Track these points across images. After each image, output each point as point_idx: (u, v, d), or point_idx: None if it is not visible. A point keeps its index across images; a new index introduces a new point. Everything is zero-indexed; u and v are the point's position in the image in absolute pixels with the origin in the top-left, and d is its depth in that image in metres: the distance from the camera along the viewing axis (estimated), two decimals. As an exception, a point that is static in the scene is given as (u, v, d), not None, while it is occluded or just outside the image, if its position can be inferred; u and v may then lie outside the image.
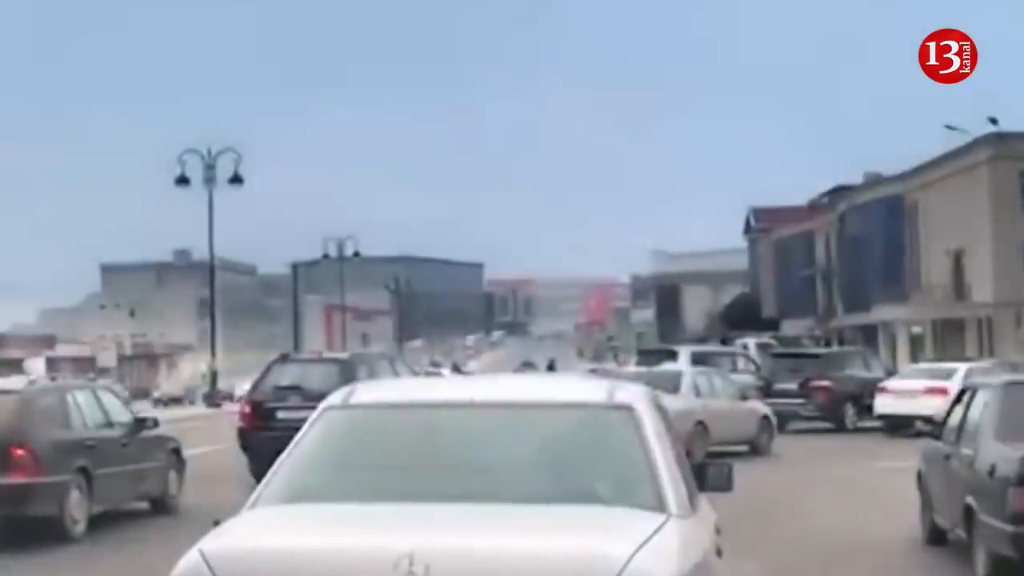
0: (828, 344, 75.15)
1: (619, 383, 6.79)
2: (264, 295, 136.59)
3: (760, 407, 28.22)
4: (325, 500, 5.79)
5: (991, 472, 10.99)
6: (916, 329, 77.29)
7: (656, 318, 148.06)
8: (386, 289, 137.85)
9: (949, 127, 60.18)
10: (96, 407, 16.54)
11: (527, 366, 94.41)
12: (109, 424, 16.59)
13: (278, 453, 6.09)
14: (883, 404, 31.23)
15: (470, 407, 6.25)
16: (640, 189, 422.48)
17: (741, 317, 65.83)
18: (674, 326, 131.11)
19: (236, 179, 52.39)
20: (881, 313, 79.34)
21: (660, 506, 5.65)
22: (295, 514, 5.69)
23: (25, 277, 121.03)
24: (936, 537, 13.36)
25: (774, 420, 28.10)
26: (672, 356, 35.86)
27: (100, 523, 15.62)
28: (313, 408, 6.41)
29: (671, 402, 24.30)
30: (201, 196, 52.29)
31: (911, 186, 78.98)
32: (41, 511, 14.72)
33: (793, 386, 32.74)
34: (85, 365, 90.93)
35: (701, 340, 66.80)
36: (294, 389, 21.15)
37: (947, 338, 73.11)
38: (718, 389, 27.14)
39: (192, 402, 75.20)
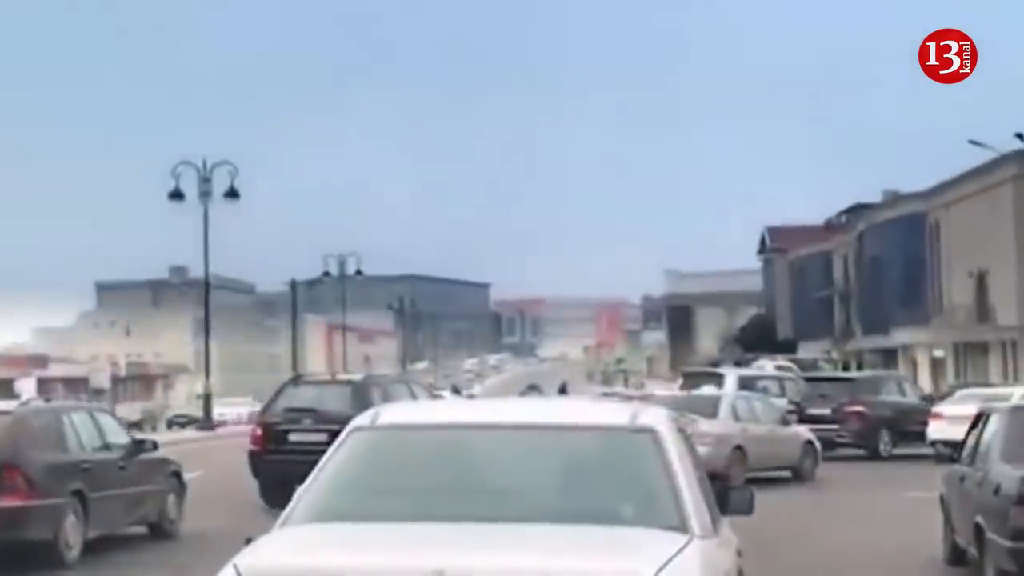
0: (847, 367, 72.82)
1: (642, 406, 7.07)
2: (263, 314, 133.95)
3: (803, 432, 27.54)
4: (354, 520, 5.88)
5: (996, 491, 11.62)
6: (938, 352, 75.13)
7: (668, 340, 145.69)
8: (390, 309, 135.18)
9: (974, 143, 57.44)
10: (93, 429, 16.13)
11: (532, 389, 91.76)
12: (106, 446, 16.20)
13: (290, 476, 6.58)
14: (936, 430, 29.39)
15: (495, 429, 6.37)
16: (652, 208, 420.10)
17: (756, 339, 63.19)
18: (687, 348, 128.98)
19: (232, 193, 50.43)
20: (901, 336, 77.19)
21: (683, 527, 5.72)
22: (325, 533, 5.78)
23: (19, 294, 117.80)
24: (956, 557, 13.79)
25: (818, 446, 27.40)
26: (719, 379, 35.33)
27: (96, 548, 15.24)
28: (326, 431, 6.98)
29: (709, 427, 23.92)
30: (198, 212, 50.14)
31: (933, 204, 76.97)
32: (35, 536, 14.32)
33: (826, 411, 31.32)
34: (78, 386, 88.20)
35: (715, 364, 64.26)
36: (307, 411, 20.87)
37: (970, 362, 71.12)
38: (759, 413, 26.69)
39: (154, 428, 71.53)
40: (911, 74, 23.26)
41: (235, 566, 5.37)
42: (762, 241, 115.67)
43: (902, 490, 23.02)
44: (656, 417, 6.47)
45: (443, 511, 5.88)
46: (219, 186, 49.92)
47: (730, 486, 7.36)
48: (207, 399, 54.45)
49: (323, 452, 6.44)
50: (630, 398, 29.29)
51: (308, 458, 6.30)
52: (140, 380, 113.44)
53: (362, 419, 6.57)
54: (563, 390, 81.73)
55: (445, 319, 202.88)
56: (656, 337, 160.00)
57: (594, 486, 6.10)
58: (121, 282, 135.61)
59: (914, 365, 76.26)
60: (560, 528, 5.68)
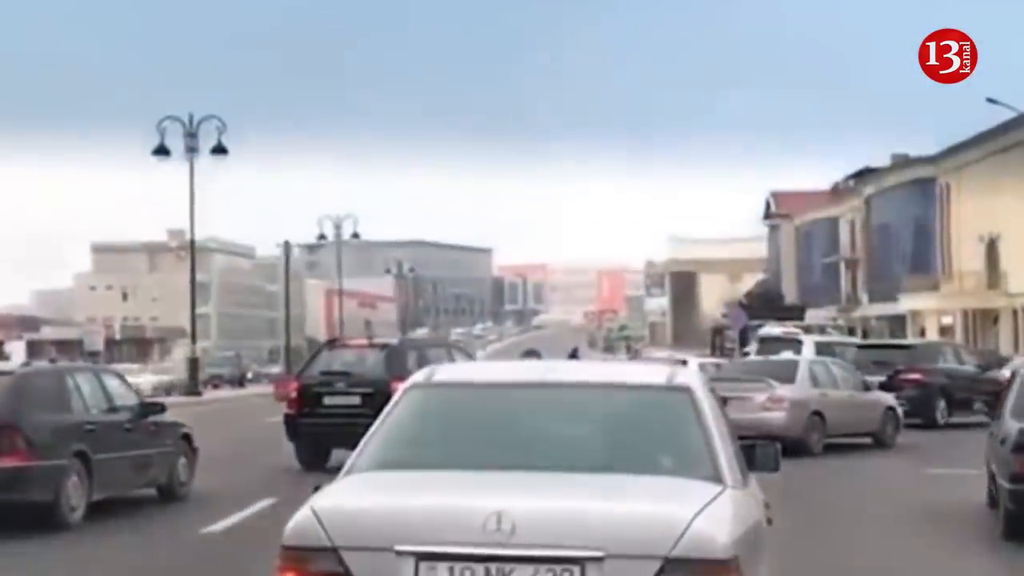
0: (852, 334, 71.66)
1: (678, 367, 7.78)
2: (264, 278, 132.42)
3: (885, 398, 27.16)
4: (414, 467, 6.33)
5: (1003, 442, 13.53)
6: (946, 319, 73.76)
7: (671, 306, 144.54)
8: (388, 273, 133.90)
9: (992, 101, 55.72)
10: (99, 390, 16.02)
11: (530, 355, 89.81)
12: (113, 408, 16.08)
13: (325, 439, 8.07)
14: None
15: (543, 387, 6.84)
16: (657, 172, 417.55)
17: (762, 304, 61.81)
18: (690, 314, 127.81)
19: (220, 149, 49.14)
20: (909, 302, 75.85)
21: (716, 478, 6.16)
22: (389, 478, 6.24)
23: (18, 256, 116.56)
24: (992, 501, 15.12)
25: (900, 412, 27.07)
26: (797, 345, 35.25)
27: (102, 510, 15.06)
28: (359, 394, 8.46)
29: (785, 392, 24.13)
30: (196, 173, 49.14)
31: (943, 168, 75.65)
32: (35, 497, 14.18)
33: (880, 379, 30.01)
34: (71, 349, 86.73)
35: (718, 330, 62.99)
36: (341, 374, 21.03)
37: (979, 329, 69.93)
38: (838, 379, 26.35)
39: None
40: (920, 33, 21.92)
41: (311, 508, 5.74)
42: (767, 206, 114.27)
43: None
44: (691, 377, 7.02)
45: (497, 461, 6.27)
46: (207, 143, 49.17)
47: (757, 443, 7.61)
48: (193, 363, 53.72)
49: (357, 415, 7.35)
50: (676, 361, 28.58)
51: (342, 421, 6.68)
52: (136, 343, 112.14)
53: (418, 376, 7.04)
54: (574, 355, 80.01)
55: (447, 284, 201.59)
56: (659, 303, 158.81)
57: (635, 439, 6.56)
58: (118, 244, 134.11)
59: (922, 332, 75.03)
60: (605, 477, 6.12)
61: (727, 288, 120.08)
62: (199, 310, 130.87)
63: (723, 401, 17.37)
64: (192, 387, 51.55)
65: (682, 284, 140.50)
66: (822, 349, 34.09)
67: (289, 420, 20.99)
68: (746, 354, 42.11)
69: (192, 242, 51.80)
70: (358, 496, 6.03)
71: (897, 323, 78.18)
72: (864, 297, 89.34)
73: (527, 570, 5.49)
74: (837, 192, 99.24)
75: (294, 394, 21.36)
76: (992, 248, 69.37)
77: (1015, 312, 66.22)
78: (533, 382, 6.95)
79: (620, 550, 5.47)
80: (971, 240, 71.11)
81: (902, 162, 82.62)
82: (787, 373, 25.15)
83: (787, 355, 30.56)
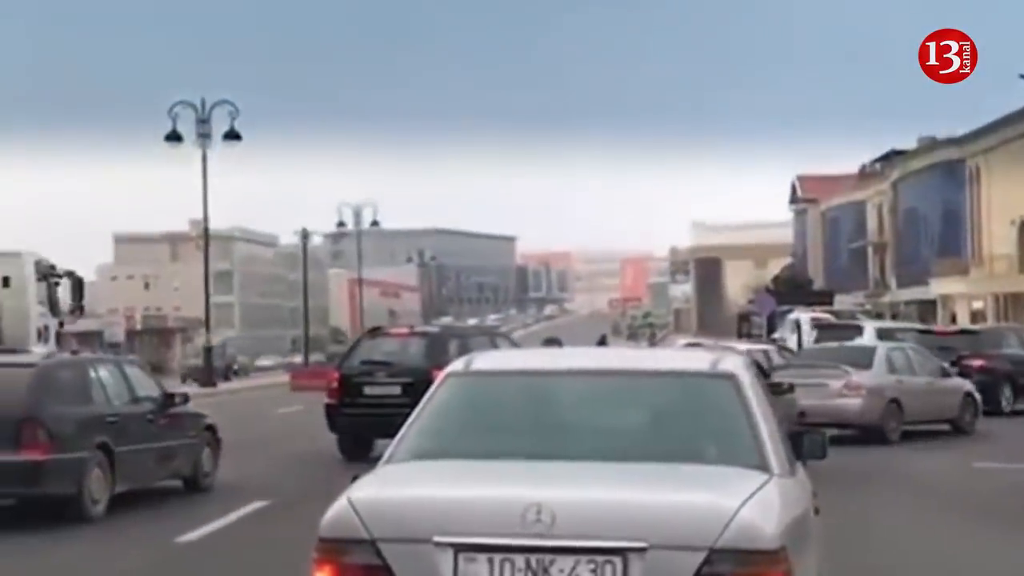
0: (881, 319, 70.66)
1: (722, 353, 7.65)
2: (287, 268, 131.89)
3: (964, 384, 26.57)
4: (453, 457, 6.22)
5: None
6: (976, 304, 72.61)
7: (695, 293, 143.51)
8: (408, 262, 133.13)
9: None
10: (121, 382, 15.87)
11: (551, 343, 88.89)
12: (135, 400, 15.94)
13: (366, 429, 7.81)
14: None
15: (584, 375, 6.74)
16: (681, 157, 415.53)
17: (790, 290, 60.62)
18: (715, 301, 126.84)
19: (233, 135, 48.43)
20: (939, 287, 74.91)
21: (763, 466, 6.02)
22: (427, 468, 6.13)
23: (40, 248, 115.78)
24: None
25: (979, 398, 26.47)
26: (858, 331, 34.71)
27: (125, 502, 14.85)
28: (399, 384, 8.09)
29: (862, 379, 23.63)
30: (217, 161, 48.60)
31: (972, 150, 74.52)
32: (58, 490, 14.05)
33: (945, 365, 29.12)
34: (91, 340, 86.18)
35: (745, 316, 61.87)
36: (382, 364, 20.92)
37: (1011, 314, 68.80)
38: (915, 365, 25.75)
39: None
40: (947, 12, 20.99)
41: (348, 499, 5.64)
42: (793, 191, 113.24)
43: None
44: (735, 364, 6.80)
45: (537, 450, 6.20)
46: (219, 128, 48.52)
47: (805, 431, 7.54)
48: (207, 353, 53.10)
49: (398, 405, 7.06)
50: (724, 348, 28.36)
51: (383, 411, 6.70)
52: (157, 334, 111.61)
53: (457, 365, 6.91)
54: (602, 343, 78.98)
55: (470, 273, 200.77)
56: (683, 290, 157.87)
57: (678, 428, 6.43)
58: (140, 235, 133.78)
59: (953, 318, 73.98)
60: (647, 466, 6.00)
61: (753, 274, 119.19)
62: (223, 299, 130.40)
63: (790, 388, 15.32)
64: (207, 378, 50.71)
65: (707, 270, 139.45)
66: (883, 335, 33.38)
67: (330, 410, 20.86)
68: (773, 341, 41.08)
69: (206, 230, 51.07)
70: (396, 486, 5.94)
71: (927, 308, 77.21)
72: (892, 282, 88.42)
73: (568, 561, 5.38)
74: (864, 176, 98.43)
75: (335, 384, 21.16)
76: (1024, 231, 68.35)
77: (1047, 296, 65.11)
78: (575, 370, 6.86)
79: (664, 541, 5.36)
80: (1002, 223, 70.01)
81: (929, 144, 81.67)
82: (863, 359, 24.74)
83: (860, 340, 29.88)
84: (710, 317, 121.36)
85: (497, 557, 5.41)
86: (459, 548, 5.42)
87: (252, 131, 49.46)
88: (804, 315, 47.36)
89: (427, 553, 5.44)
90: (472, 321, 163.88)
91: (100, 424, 14.82)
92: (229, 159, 50.94)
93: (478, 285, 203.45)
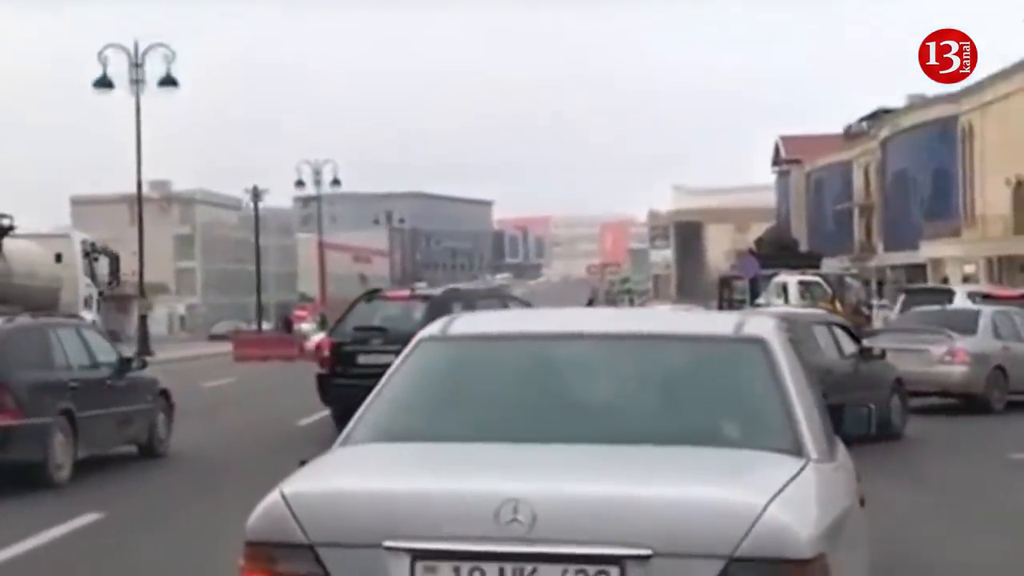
0: (868, 284, 67.71)
1: (748, 314, 6.88)
2: (251, 231, 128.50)
3: None
4: (421, 439, 5.35)
5: None
6: (968, 268, 69.69)
7: (675, 258, 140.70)
8: (375, 224, 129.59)
9: None
10: (80, 346, 16.03)
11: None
12: (94, 364, 16.10)
13: (360, 401, 5.63)
14: None
15: (582, 339, 5.80)
16: (662, 120, 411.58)
17: (775, 252, 57.33)
18: (695, 266, 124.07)
19: (169, 81, 45.10)
20: (929, 250, 71.88)
21: (796, 449, 5.08)
22: (387, 454, 5.29)
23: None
24: None
25: None
26: (948, 296, 32.74)
27: (85, 469, 15.07)
28: (395, 353, 6.01)
29: (966, 345, 22.33)
30: (185, 123, 45.24)
31: (965, 107, 71.92)
32: (23, 456, 14.22)
33: None
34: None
35: (726, 281, 58.42)
36: (376, 330, 19.89)
37: (1005, 277, 66.00)
38: (1021, 331, 24.26)
39: None
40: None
41: (282, 493, 4.69)
42: (776, 152, 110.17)
43: None
44: (764, 326, 5.82)
45: (522, 430, 5.25)
46: (154, 73, 45.55)
47: (848, 403, 6.79)
48: (142, 320, 49.76)
49: None
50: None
51: (377, 382, 5.52)
52: (115, 300, 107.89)
53: (432, 328, 5.96)
54: (591, 303, 75.68)
55: (441, 237, 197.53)
56: (663, 255, 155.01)
57: (694, 403, 5.46)
58: (97, 196, 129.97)
59: (944, 282, 71.07)
60: (655, 450, 5.05)
61: (735, 238, 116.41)
62: (186, 264, 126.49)
63: (882, 354, 16.25)
64: (143, 347, 47.22)
65: (687, 235, 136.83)
66: (975, 300, 31.36)
67: (321, 381, 20.07)
68: (757, 306, 37.70)
69: (139, 184, 47.85)
70: (342, 477, 4.94)
71: (916, 272, 74.76)
72: (879, 245, 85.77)
73: (552, 571, 4.41)
74: (850, 136, 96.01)
75: (327, 352, 20.39)
76: (1020, 190, 65.85)
77: (1044, 259, 62.13)
78: (571, 333, 5.85)
79: (671, 547, 4.38)
80: (996, 183, 67.41)
81: (920, 102, 78.87)
82: (968, 324, 23.45)
83: (959, 304, 28.56)
84: (690, 282, 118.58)
85: (464, 566, 4.45)
86: (417, 555, 4.50)
87: (222, 88, 46.06)
88: (791, 278, 44.50)
89: (378, 560, 4.50)
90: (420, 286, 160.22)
91: (63, 389, 14.91)
92: (198, 116, 47.43)
93: (451, 250, 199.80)
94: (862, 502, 5.80)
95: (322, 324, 56.57)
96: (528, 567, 4.40)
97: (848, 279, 53.89)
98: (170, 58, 45.02)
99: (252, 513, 4.69)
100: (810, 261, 57.02)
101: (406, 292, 24.04)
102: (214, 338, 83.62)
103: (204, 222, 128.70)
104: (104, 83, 44.79)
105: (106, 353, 16.63)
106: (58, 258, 28.19)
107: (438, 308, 18.87)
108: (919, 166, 77.83)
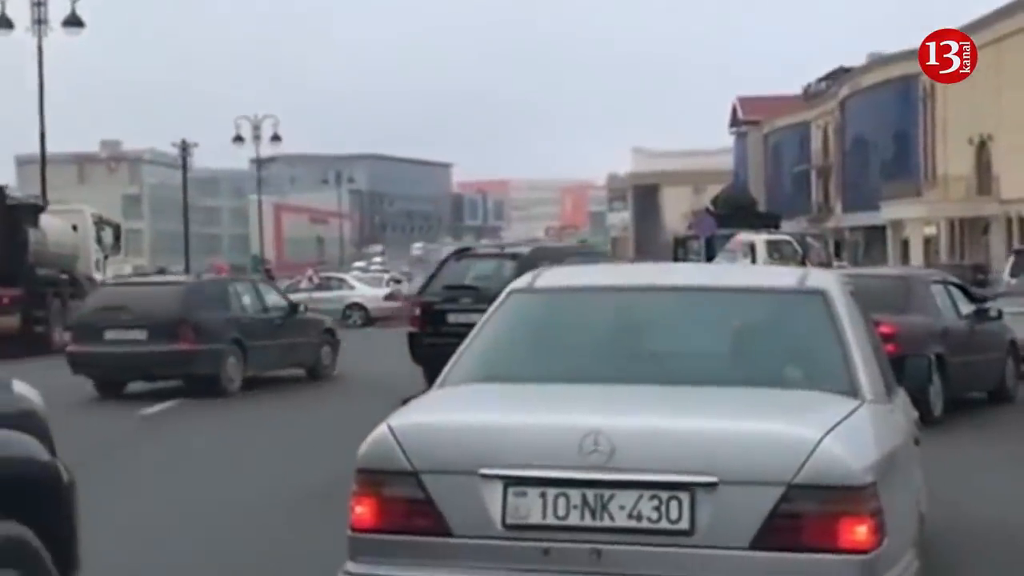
0: (827, 244, 66.25)
1: (810, 269, 7.34)
2: (202, 193, 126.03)
3: None
4: (511, 380, 5.83)
5: None
6: (929, 230, 68.36)
7: (633, 220, 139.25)
8: (324, 183, 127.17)
9: None
10: (254, 296, 21.74)
11: None
12: (264, 309, 21.64)
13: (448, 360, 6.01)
14: None
15: (659, 291, 6.28)
16: (623, 83, 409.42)
17: (732, 211, 55.95)
18: (652, 228, 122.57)
19: (74, 21, 42.40)
20: (889, 212, 70.29)
21: (853, 391, 5.51)
22: (481, 392, 5.77)
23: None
24: None
25: None
26: None
27: (257, 384, 20.46)
28: (485, 311, 6.33)
29: None
30: (139, 80, 42.35)
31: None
32: (203, 371, 19.55)
33: None
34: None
35: (680, 241, 56.90)
36: (466, 289, 20.39)
37: (968, 239, 64.68)
38: None
39: None
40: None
41: (389, 426, 5.25)
42: (734, 113, 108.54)
43: None
44: (826, 280, 6.26)
45: (603, 373, 5.78)
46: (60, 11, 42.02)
47: (907, 355, 7.37)
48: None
49: None
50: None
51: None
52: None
53: (520, 281, 6.46)
54: None
55: (403, 200, 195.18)
56: (621, 218, 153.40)
57: (760, 349, 5.96)
58: (45, 156, 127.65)
59: (904, 244, 69.72)
60: (723, 391, 5.54)
61: (692, 200, 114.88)
62: (133, 225, 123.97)
63: (999, 315, 16.53)
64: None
65: (645, 197, 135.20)
66: None
67: (412, 340, 20.45)
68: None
69: (42, 135, 44.05)
70: (442, 412, 5.49)
71: (875, 234, 73.46)
72: (837, 207, 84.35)
73: (628, 497, 4.86)
74: (809, 96, 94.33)
75: (417, 311, 20.85)
76: (983, 150, 64.56)
77: (1008, 220, 60.72)
78: (649, 286, 6.37)
79: (736, 475, 4.81)
80: (959, 142, 66.06)
81: (880, 60, 77.32)
82: None
83: None
84: (647, 244, 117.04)
85: (551, 491, 4.91)
86: (508, 481, 4.95)
87: (181, 51, 43.46)
88: (759, 237, 43.29)
89: (475, 486, 4.98)
90: (377, 255, 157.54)
91: (235, 324, 20.30)
92: (154, 74, 44.72)
93: (408, 213, 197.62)
94: (916, 442, 6.35)
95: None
96: (607, 493, 4.84)
97: (810, 239, 52.75)
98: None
99: (362, 444, 5.17)
100: (768, 221, 55.61)
101: (495, 250, 24.90)
102: None
103: (153, 183, 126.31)
104: (3, 22, 41.20)
105: (277, 300, 22.37)
106: (74, 228, 34.00)
107: (526, 265, 18.89)
108: (879, 125, 76.49)
